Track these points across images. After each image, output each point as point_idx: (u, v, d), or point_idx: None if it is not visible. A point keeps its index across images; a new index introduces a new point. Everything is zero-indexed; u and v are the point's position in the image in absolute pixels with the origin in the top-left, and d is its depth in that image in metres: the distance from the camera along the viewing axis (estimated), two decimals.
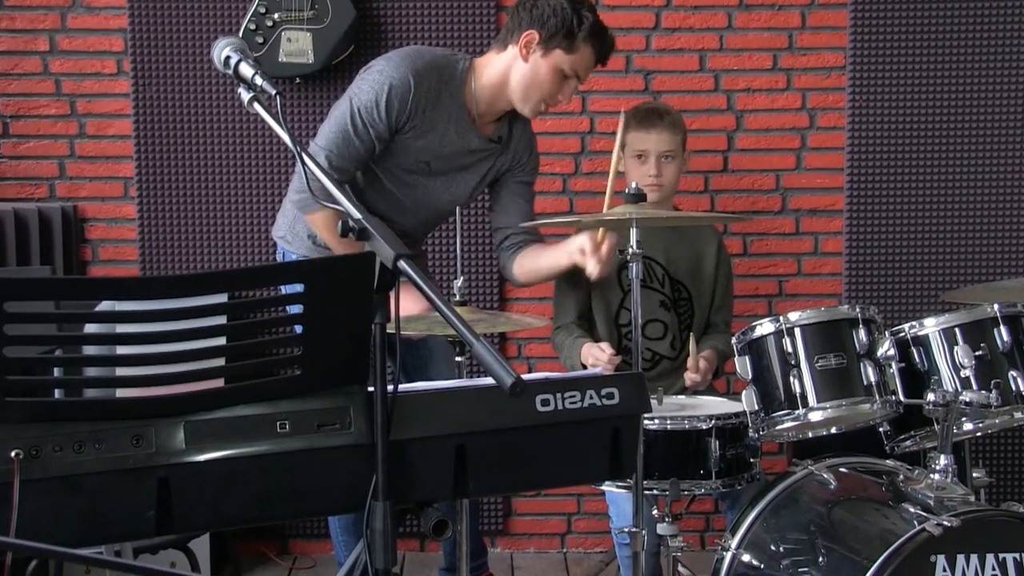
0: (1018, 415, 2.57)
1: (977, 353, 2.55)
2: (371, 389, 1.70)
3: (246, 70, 1.96)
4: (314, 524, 3.87)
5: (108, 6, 3.78)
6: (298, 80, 3.71)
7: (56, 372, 1.93)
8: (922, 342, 2.61)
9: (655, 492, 2.64)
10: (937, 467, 2.42)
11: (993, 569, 2.25)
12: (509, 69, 2.94)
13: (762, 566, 2.58)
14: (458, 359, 2.63)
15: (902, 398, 2.57)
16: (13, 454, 1.52)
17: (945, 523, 2.22)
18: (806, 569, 2.50)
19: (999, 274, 3.85)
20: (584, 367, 2.99)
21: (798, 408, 2.56)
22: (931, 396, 2.43)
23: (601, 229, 2.87)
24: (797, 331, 2.59)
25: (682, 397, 3.00)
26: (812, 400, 2.56)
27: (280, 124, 1.86)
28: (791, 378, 2.57)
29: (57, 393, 1.70)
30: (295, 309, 1.69)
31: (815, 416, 2.57)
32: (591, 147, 3.89)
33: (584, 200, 3.89)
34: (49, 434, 1.55)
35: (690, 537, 3.04)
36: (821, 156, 3.90)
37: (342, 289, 1.68)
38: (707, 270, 3.26)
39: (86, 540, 1.62)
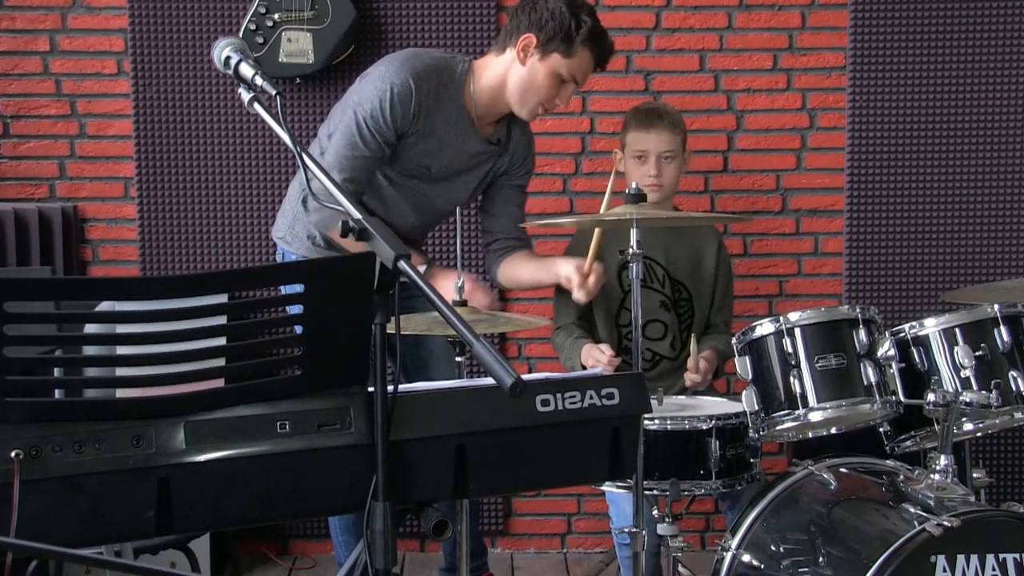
0: (1018, 415, 2.57)
1: (977, 353, 2.55)
2: (371, 389, 1.70)
3: (246, 70, 1.96)
4: (314, 524, 3.87)
5: (108, 6, 3.78)
6: (298, 80, 3.71)
7: (56, 372, 1.93)
8: (922, 342, 2.61)
9: (655, 492, 2.64)
10: (937, 467, 2.42)
11: (993, 569, 2.25)
12: (507, 72, 2.94)
13: (762, 566, 2.58)
14: (458, 359, 2.63)
15: (902, 398, 2.57)
16: (13, 454, 1.52)
17: (945, 523, 2.22)
18: (806, 569, 2.50)
19: (999, 274, 3.85)
20: (584, 368, 2.99)
21: (798, 408, 2.56)
22: (931, 396, 2.43)
23: (597, 230, 2.86)
24: (797, 331, 2.59)
25: (682, 397, 3.00)
26: (812, 400, 2.56)
27: (280, 124, 1.86)
28: (791, 378, 2.57)
29: (57, 393, 1.70)
30: (295, 309, 1.69)
31: (815, 416, 2.57)
32: (591, 147, 3.89)
33: (584, 200, 3.89)
34: (49, 434, 1.55)
35: (690, 537, 3.05)
36: (821, 156, 3.90)
37: (342, 289, 1.68)
38: (707, 270, 3.26)
39: (86, 540, 1.62)
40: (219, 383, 1.67)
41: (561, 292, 3.21)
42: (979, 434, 2.65)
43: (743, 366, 2.65)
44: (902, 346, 2.60)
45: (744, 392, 2.65)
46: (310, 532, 3.91)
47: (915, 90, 3.83)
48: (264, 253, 3.81)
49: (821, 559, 2.48)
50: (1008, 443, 3.90)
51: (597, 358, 2.96)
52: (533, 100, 2.95)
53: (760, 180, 3.91)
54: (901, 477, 2.56)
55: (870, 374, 2.55)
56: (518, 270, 3.12)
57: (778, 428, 2.61)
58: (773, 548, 2.61)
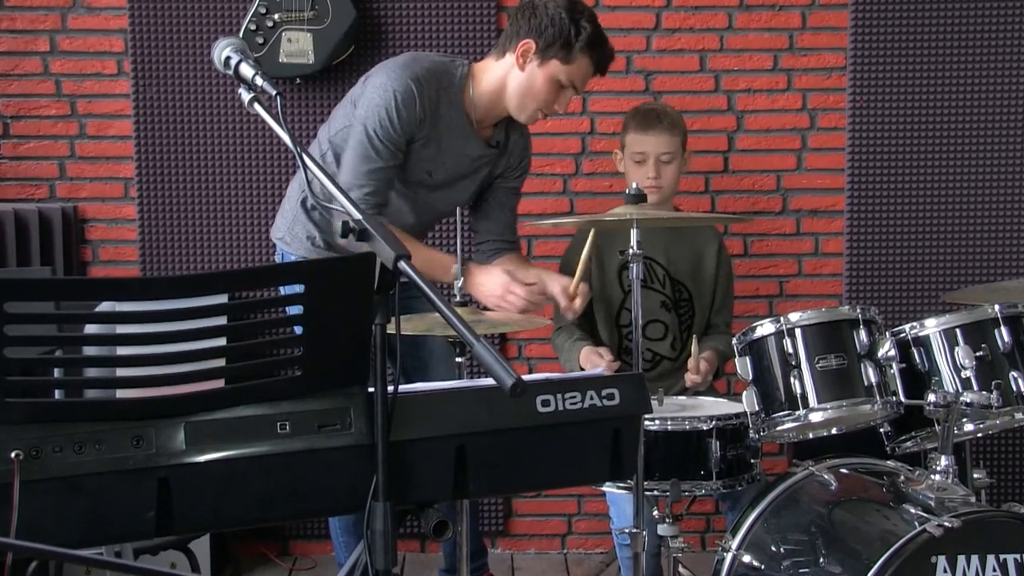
0: (1019, 416, 2.57)
1: (978, 354, 2.55)
2: (371, 390, 1.70)
3: (246, 70, 1.96)
4: (314, 525, 3.87)
5: (108, 7, 3.78)
6: (298, 80, 3.71)
7: (56, 373, 1.93)
8: (923, 343, 2.61)
9: (656, 493, 2.64)
10: (938, 468, 2.42)
11: (994, 570, 2.25)
12: (506, 77, 2.93)
13: (763, 567, 2.58)
14: (458, 360, 2.63)
15: (903, 399, 2.57)
16: (13, 455, 1.51)
17: (946, 524, 2.22)
18: (807, 570, 2.50)
19: (1000, 275, 3.85)
20: (583, 371, 2.99)
21: (799, 409, 2.56)
22: (932, 397, 2.43)
23: (586, 251, 2.83)
24: (798, 332, 2.59)
25: (683, 398, 3.00)
26: (813, 401, 2.56)
27: (280, 125, 1.86)
28: (792, 379, 2.57)
29: (57, 394, 1.70)
30: (295, 310, 1.68)
31: (816, 417, 2.57)
32: (592, 148, 3.89)
33: (584, 201, 3.88)
34: (49, 435, 1.55)
35: (691, 538, 3.04)
36: (822, 157, 3.90)
37: (342, 290, 1.68)
38: (708, 271, 3.26)
39: (86, 541, 1.62)
40: (219, 383, 1.66)
41: None
42: (980, 435, 2.65)
43: (743, 366, 2.65)
44: (903, 346, 2.60)
45: (744, 393, 2.65)
46: (310, 533, 3.91)
47: (915, 90, 3.83)
48: (264, 253, 3.81)
49: (822, 560, 2.48)
50: (1009, 444, 3.90)
51: (595, 363, 2.96)
52: (532, 106, 2.94)
53: (760, 180, 3.91)
54: (902, 478, 2.56)
55: (871, 375, 2.55)
56: None
57: (778, 429, 2.61)
58: (774, 549, 2.61)
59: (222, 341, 1.64)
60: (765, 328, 2.63)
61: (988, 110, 3.83)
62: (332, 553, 3.38)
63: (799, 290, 3.95)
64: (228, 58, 1.98)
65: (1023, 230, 3.87)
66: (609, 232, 3.16)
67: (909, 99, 3.83)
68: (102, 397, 1.70)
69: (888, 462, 2.69)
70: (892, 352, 2.57)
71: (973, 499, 2.45)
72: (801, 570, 2.51)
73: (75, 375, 1.88)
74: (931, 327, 2.60)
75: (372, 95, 2.87)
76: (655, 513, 2.66)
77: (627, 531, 2.64)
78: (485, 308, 2.89)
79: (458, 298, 2.63)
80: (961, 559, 2.23)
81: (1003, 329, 2.57)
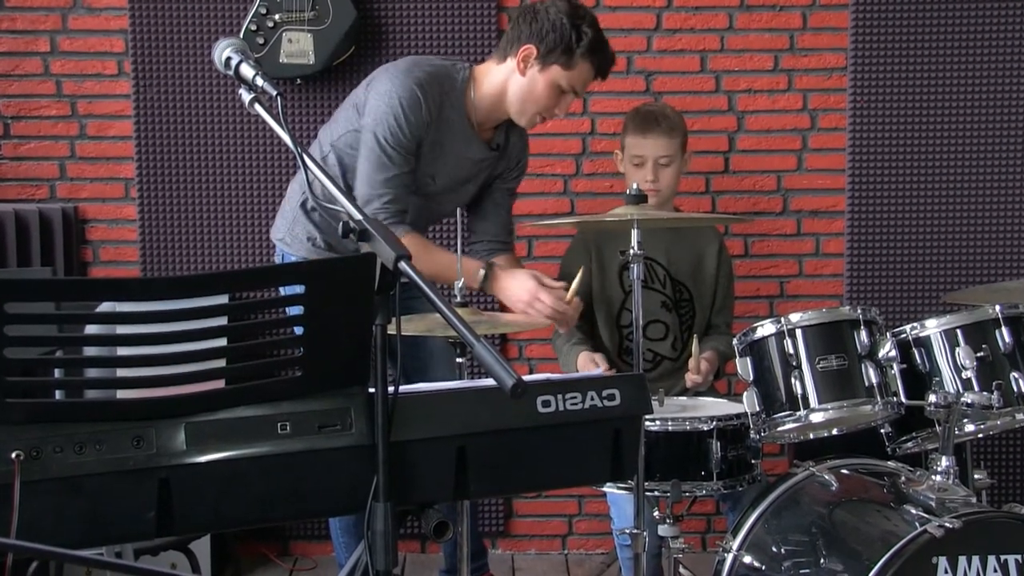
0: (1020, 416, 2.57)
1: (979, 354, 2.55)
2: (372, 390, 1.70)
3: (247, 71, 1.96)
4: (315, 525, 3.87)
5: (109, 7, 3.78)
6: (299, 81, 3.70)
7: (57, 373, 1.93)
8: (923, 343, 2.61)
9: (656, 493, 2.63)
10: (939, 468, 2.42)
11: (995, 571, 2.25)
12: (507, 81, 2.93)
13: (763, 567, 2.58)
14: (459, 360, 2.63)
15: (903, 399, 2.57)
16: (14, 455, 1.51)
17: (947, 524, 2.22)
18: (808, 571, 2.50)
19: (1001, 275, 3.85)
20: None
21: (799, 409, 2.56)
22: (932, 397, 2.43)
23: (581, 272, 2.87)
24: (798, 332, 2.59)
25: (683, 398, 3.00)
26: (813, 401, 2.56)
27: (281, 125, 1.86)
28: (792, 379, 2.57)
29: (58, 394, 1.70)
30: (296, 310, 1.68)
31: (816, 417, 2.56)
32: (592, 148, 3.88)
33: (585, 201, 3.88)
34: (50, 435, 1.55)
35: (691, 539, 3.04)
36: (822, 157, 3.90)
37: (343, 290, 1.67)
38: (708, 271, 3.26)
39: (87, 541, 1.62)
40: (220, 384, 1.66)
41: None
42: (980, 435, 2.65)
43: (744, 367, 2.64)
44: (903, 347, 2.60)
45: (745, 393, 2.65)
46: (311, 533, 3.91)
47: (916, 91, 3.82)
48: (265, 254, 3.81)
49: (822, 560, 2.48)
50: (1009, 444, 3.90)
51: (590, 370, 2.96)
52: (532, 110, 2.94)
53: (761, 181, 3.91)
54: (902, 478, 2.56)
55: (871, 375, 2.55)
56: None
57: (779, 429, 2.61)
58: (774, 549, 2.60)
59: (223, 341, 1.64)
60: (766, 329, 2.63)
61: (989, 110, 3.83)
62: (332, 554, 3.38)
63: (800, 291, 3.94)
64: (229, 58, 1.99)
65: None
66: (610, 232, 3.16)
67: (910, 99, 3.83)
68: (103, 397, 1.70)
69: (889, 463, 2.69)
70: (893, 353, 2.57)
71: (974, 500, 2.44)
72: (802, 571, 2.51)
73: (75, 375, 1.88)
74: (932, 328, 2.60)
75: (377, 103, 2.87)
76: (656, 514, 2.66)
77: (628, 532, 2.64)
78: (503, 309, 2.87)
79: (458, 299, 2.63)
80: (962, 560, 2.23)
81: (1004, 330, 2.57)
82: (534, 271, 2.92)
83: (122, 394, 1.65)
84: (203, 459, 1.61)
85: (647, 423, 2.61)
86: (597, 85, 3.04)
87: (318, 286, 1.66)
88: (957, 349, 2.57)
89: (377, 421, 1.67)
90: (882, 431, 2.69)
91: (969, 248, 3.86)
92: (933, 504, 2.35)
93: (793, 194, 3.92)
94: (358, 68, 3.69)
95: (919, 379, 2.58)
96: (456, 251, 2.79)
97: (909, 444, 2.67)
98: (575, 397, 1.80)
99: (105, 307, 1.78)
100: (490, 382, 1.62)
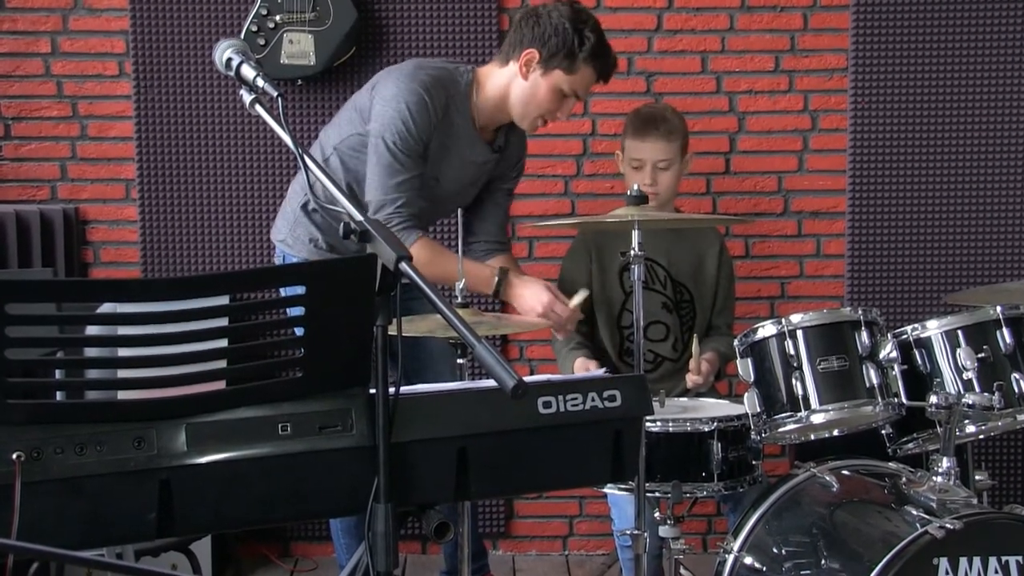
0: (1021, 417, 2.57)
1: (980, 355, 2.55)
2: (373, 391, 1.70)
3: (248, 72, 1.96)
4: (316, 526, 3.86)
5: (110, 8, 3.78)
6: (300, 82, 3.70)
7: (58, 374, 1.93)
8: (924, 344, 2.61)
9: (657, 494, 2.63)
10: (939, 469, 2.42)
11: (996, 572, 2.25)
12: (509, 85, 2.93)
13: (764, 568, 2.58)
14: (460, 361, 2.63)
15: (904, 400, 2.57)
16: (14, 456, 1.51)
17: (947, 526, 2.22)
18: (808, 572, 2.50)
19: (1002, 276, 3.85)
20: None
21: (800, 410, 2.56)
22: (933, 398, 2.43)
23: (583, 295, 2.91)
24: (799, 333, 2.59)
25: (684, 399, 2.99)
26: (814, 402, 2.56)
27: (282, 126, 1.86)
28: (793, 380, 2.57)
29: (59, 395, 1.70)
30: (296, 311, 1.68)
31: (817, 418, 2.56)
32: (593, 149, 3.88)
33: (586, 202, 3.88)
34: (50, 436, 1.55)
35: (692, 540, 3.05)
36: (823, 158, 3.90)
37: (344, 291, 1.67)
38: (709, 272, 3.25)
39: (87, 542, 1.62)
40: (221, 385, 1.66)
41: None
42: (981, 436, 2.65)
43: (745, 368, 2.64)
44: (904, 348, 2.60)
45: (746, 394, 2.65)
46: (311, 534, 3.90)
47: (917, 92, 3.82)
48: (266, 255, 3.80)
49: (823, 561, 2.48)
50: (1010, 445, 3.90)
51: None
52: (534, 113, 2.95)
53: (762, 182, 3.91)
54: (903, 479, 2.56)
55: (872, 376, 2.55)
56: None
57: (780, 430, 2.61)
58: (775, 550, 2.60)
59: (223, 342, 1.64)
60: (767, 329, 2.63)
61: (990, 111, 3.83)
62: (333, 555, 3.38)
63: (801, 291, 3.94)
64: (229, 59, 1.99)
65: None
66: (610, 233, 3.16)
67: (910, 100, 3.82)
68: (103, 398, 1.70)
69: (890, 464, 2.69)
70: (894, 354, 2.57)
71: (975, 501, 2.44)
72: (803, 572, 2.51)
73: (76, 376, 1.88)
74: (933, 328, 2.60)
75: (384, 108, 2.87)
76: (656, 515, 2.66)
77: (628, 533, 2.64)
78: (504, 310, 2.88)
79: (459, 300, 2.63)
80: (963, 561, 2.23)
81: (1005, 330, 2.57)
82: (545, 281, 2.95)
83: (123, 395, 1.65)
84: (204, 460, 1.61)
85: (648, 424, 2.61)
86: (598, 86, 3.04)
87: (319, 287, 1.66)
88: (958, 350, 2.56)
89: (378, 422, 1.67)
90: (883, 432, 2.69)
91: (970, 249, 3.86)
92: (934, 505, 2.35)
93: (794, 195, 3.91)
94: (359, 69, 3.69)
95: (920, 380, 2.58)
96: (457, 251, 2.79)
97: (910, 445, 2.67)
98: (576, 398, 1.80)
99: (106, 308, 1.78)
100: (491, 383, 1.61)
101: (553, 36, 2.85)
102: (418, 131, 2.84)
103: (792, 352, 2.58)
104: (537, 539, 4.00)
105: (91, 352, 1.73)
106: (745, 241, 3.92)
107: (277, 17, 3.60)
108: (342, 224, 1.70)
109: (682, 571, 2.68)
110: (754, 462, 2.72)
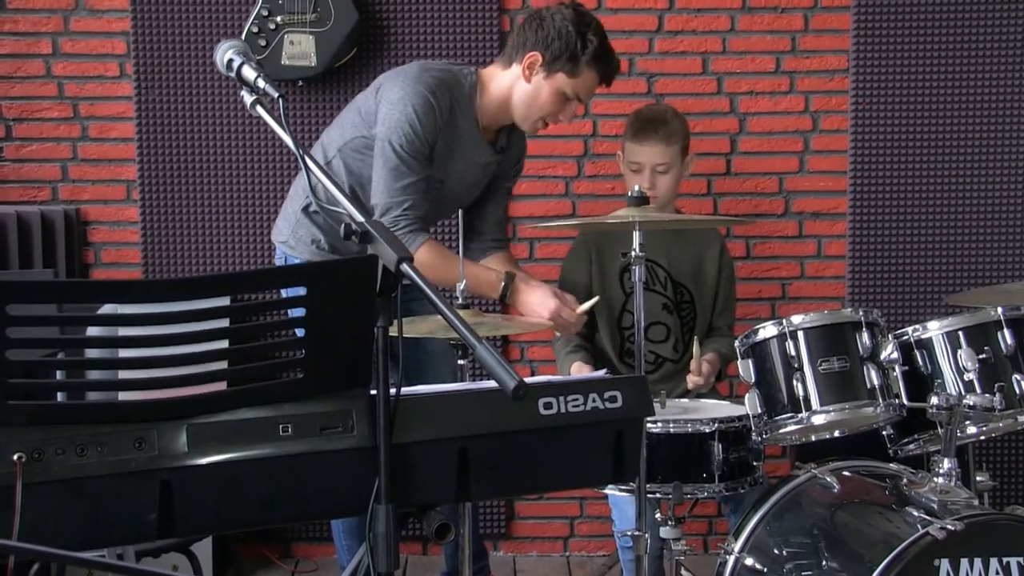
0: (1022, 418, 2.57)
1: (981, 356, 2.55)
2: (373, 392, 1.70)
3: (249, 73, 1.96)
4: (316, 527, 3.86)
5: (111, 9, 3.78)
6: (301, 83, 3.71)
7: (58, 375, 1.93)
8: (926, 345, 2.60)
9: (658, 495, 2.63)
10: (940, 470, 2.42)
11: (997, 573, 2.25)
12: (512, 87, 2.94)
13: (765, 570, 2.58)
14: (460, 362, 2.63)
15: (905, 401, 2.57)
16: (15, 457, 1.51)
17: (949, 527, 2.22)
18: (809, 573, 2.50)
19: (1003, 277, 3.84)
20: None
21: (801, 411, 2.56)
22: (935, 399, 2.43)
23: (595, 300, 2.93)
24: (800, 334, 2.59)
25: (685, 400, 2.99)
26: (815, 403, 2.56)
27: (283, 127, 1.86)
28: (794, 381, 2.57)
29: (59, 396, 1.70)
30: (297, 312, 1.68)
31: (818, 419, 2.56)
32: (594, 150, 3.88)
33: (586, 203, 3.88)
34: (51, 437, 1.55)
35: (693, 540, 3.05)
36: (824, 159, 3.90)
37: (344, 292, 1.67)
38: (709, 273, 3.25)
39: (88, 543, 1.61)
40: (221, 386, 1.66)
41: None
42: (982, 437, 2.65)
43: (746, 369, 2.64)
44: (905, 349, 2.60)
45: (747, 395, 2.65)
46: (312, 535, 3.90)
47: (918, 92, 3.82)
48: (266, 256, 3.80)
49: (824, 562, 2.48)
50: (1011, 446, 3.89)
51: None
52: (536, 116, 2.95)
53: (763, 183, 3.91)
54: (904, 480, 2.56)
55: (873, 377, 2.55)
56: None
57: (781, 431, 2.61)
58: (776, 551, 2.60)
59: (224, 343, 1.64)
60: (767, 330, 2.63)
61: (991, 112, 3.83)
62: (334, 556, 3.38)
63: (801, 292, 3.94)
64: (230, 60, 1.99)
65: None
66: (611, 234, 3.16)
67: (911, 101, 3.82)
68: (104, 399, 1.69)
69: (891, 465, 2.69)
70: (895, 354, 2.57)
71: (976, 502, 2.44)
72: (804, 573, 2.51)
73: (77, 377, 1.88)
74: (934, 329, 2.60)
75: (391, 111, 2.86)
76: (657, 516, 2.66)
77: (629, 534, 2.64)
78: (504, 311, 2.89)
79: (460, 300, 2.63)
80: (964, 562, 2.23)
81: (1006, 331, 2.57)
82: (552, 286, 2.95)
83: (124, 396, 1.65)
84: (205, 461, 1.61)
85: (649, 425, 2.61)
86: (599, 88, 3.04)
87: (320, 288, 1.66)
88: (959, 351, 2.56)
89: (379, 423, 1.67)
90: (884, 433, 2.68)
91: (971, 250, 3.86)
92: (935, 506, 2.35)
93: (795, 196, 3.91)
94: (360, 70, 3.69)
95: (921, 381, 2.58)
96: (457, 252, 2.79)
97: (911, 446, 2.67)
98: (577, 399, 1.80)
99: (107, 309, 1.78)
100: (492, 384, 1.62)
101: (556, 39, 2.85)
102: (424, 134, 2.84)
103: (793, 353, 2.58)
104: (538, 540, 4.00)
105: (92, 353, 1.73)
106: (746, 242, 3.92)
107: (278, 18, 3.61)
108: (343, 225, 1.70)
109: (683, 572, 2.68)
110: (755, 463, 2.72)
